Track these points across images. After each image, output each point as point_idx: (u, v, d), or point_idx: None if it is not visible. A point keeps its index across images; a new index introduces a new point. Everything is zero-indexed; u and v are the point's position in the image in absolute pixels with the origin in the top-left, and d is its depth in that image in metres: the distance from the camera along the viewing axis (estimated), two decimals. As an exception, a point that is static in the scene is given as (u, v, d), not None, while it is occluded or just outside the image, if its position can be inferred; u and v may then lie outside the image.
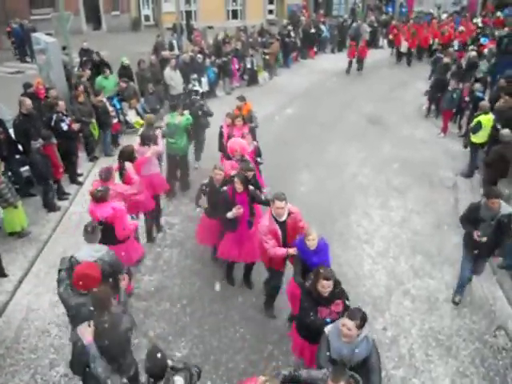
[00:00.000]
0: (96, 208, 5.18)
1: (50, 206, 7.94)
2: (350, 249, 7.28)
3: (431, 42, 19.51)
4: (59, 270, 4.53)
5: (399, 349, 5.55)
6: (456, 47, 17.67)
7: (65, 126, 8.42)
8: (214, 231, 6.20)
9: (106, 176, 5.56)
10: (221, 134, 8.19)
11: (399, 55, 20.00)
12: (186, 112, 8.50)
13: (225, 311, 6.00)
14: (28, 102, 7.83)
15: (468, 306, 6.24)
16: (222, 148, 8.01)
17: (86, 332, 3.62)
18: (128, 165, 6.23)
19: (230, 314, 5.95)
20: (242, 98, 9.12)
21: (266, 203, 5.60)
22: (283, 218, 5.18)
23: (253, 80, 15.89)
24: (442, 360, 5.40)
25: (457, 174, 9.91)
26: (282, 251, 5.08)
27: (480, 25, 21.59)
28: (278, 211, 5.09)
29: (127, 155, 6.22)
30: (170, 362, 3.41)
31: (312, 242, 4.73)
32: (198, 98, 10.16)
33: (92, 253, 4.55)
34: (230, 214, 5.56)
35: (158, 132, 7.29)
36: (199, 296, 6.23)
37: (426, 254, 7.32)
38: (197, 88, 12.32)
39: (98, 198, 5.14)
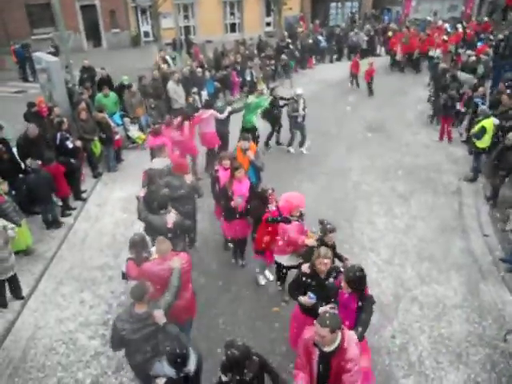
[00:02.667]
0: (154, 139, 8.37)
1: (48, 224, 7.96)
2: (355, 257, 7.23)
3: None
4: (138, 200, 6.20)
5: (409, 356, 5.50)
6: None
7: (70, 144, 8.50)
8: None
9: (156, 130, 8.59)
10: (215, 181, 6.91)
11: (394, 63, 20.02)
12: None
13: (231, 323, 5.97)
14: (35, 130, 7.98)
15: (477, 311, 6.19)
16: (216, 197, 6.96)
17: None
18: (185, 123, 8.98)
19: (236, 327, 5.93)
20: (247, 137, 7.81)
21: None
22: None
23: (253, 92, 15.98)
24: (452, 367, 5.35)
25: (460, 178, 9.90)
26: None
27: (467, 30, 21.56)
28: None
29: (186, 116, 9.12)
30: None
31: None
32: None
33: (162, 162, 7.06)
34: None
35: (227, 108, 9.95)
36: (206, 309, 6.21)
37: (432, 259, 7.28)
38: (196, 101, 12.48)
39: (156, 131, 8.53)
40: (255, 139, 10.51)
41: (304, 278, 4.67)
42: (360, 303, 4.31)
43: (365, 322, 4.24)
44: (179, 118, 9.09)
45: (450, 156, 11.17)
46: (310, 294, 4.54)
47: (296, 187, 9.27)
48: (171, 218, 5.51)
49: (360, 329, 4.12)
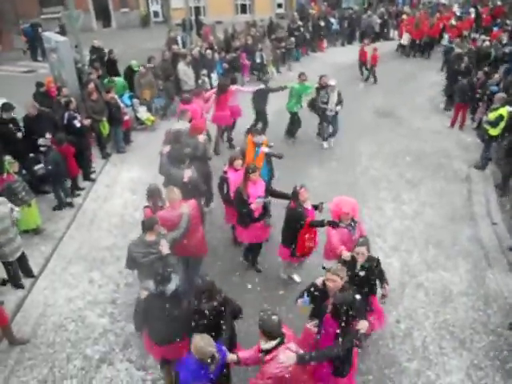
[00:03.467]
0: (184, 105, 8.76)
1: (61, 203, 8.04)
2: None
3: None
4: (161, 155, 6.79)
5: (413, 341, 5.54)
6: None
7: (77, 124, 8.52)
8: None
9: (187, 98, 9.03)
10: (223, 182, 6.49)
11: (401, 47, 19.77)
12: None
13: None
14: (34, 109, 7.97)
15: (482, 299, 6.19)
16: (226, 199, 6.57)
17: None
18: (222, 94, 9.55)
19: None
20: (259, 131, 7.55)
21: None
22: None
23: (263, 74, 15.85)
24: (455, 353, 5.38)
25: (470, 165, 9.80)
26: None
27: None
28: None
29: (224, 86, 9.68)
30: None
31: None
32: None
33: (183, 124, 7.68)
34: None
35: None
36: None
37: (440, 246, 7.27)
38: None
39: (186, 99, 9.00)
40: (295, 126, 10.62)
41: (313, 289, 4.49)
42: (339, 330, 3.89)
43: (324, 353, 3.88)
44: (216, 89, 9.84)
45: (460, 143, 11.04)
46: (305, 296, 4.47)
47: (305, 171, 9.30)
48: (188, 173, 6.21)
49: (313, 354, 3.83)
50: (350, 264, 4.77)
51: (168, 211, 5.41)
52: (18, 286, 6.26)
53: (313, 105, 10.55)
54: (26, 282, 6.37)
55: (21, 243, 6.12)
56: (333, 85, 9.87)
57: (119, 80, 11.31)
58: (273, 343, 3.67)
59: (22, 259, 6.28)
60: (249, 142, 7.25)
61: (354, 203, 5.46)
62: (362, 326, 4.01)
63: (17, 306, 5.99)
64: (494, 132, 9.20)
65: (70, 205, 8.17)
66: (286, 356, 3.64)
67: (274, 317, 3.72)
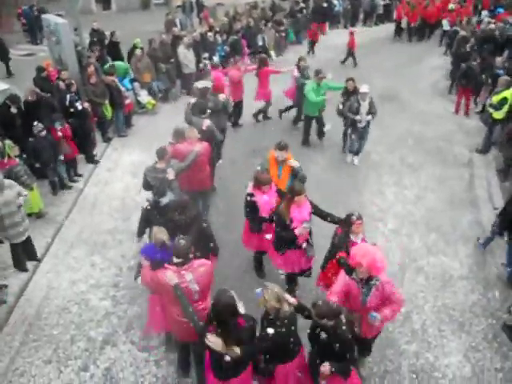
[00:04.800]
0: (216, 73, 9.31)
1: (54, 188, 8.02)
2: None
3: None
4: (187, 105, 7.82)
5: (412, 325, 5.60)
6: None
7: (79, 106, 8.49)
8: None
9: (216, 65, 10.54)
10: (251, 205, 5.48)
11: (399, 30, 19.39)
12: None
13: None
14: (32, 94, 7.93)
15: (482, 283, 6.23)
16: (253, 225, 5.70)
17: None
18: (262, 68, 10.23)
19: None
20: (284, 146, 5.91)
21: None
22: None
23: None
24: (454, 335, 5.44)
25: (472, 150, 9.76)
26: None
27: None
28: None
29: (264, 61, 10.33)
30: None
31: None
32: None
33: (205, 83, 8.49)
34: None
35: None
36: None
37: (440, 231, 7.29)
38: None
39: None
40: (321, 131, 9.80)
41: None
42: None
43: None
44: (257, 64, 10.44)
45: (462, 127, 10.98)
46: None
47: (306, 156, 9.28)
48: (206, 122, 7.10)
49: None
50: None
51: (184, 145, 6.41)
52: (22, 269, 6.32)
53: (341, 112, 9.09)
54: (30, 265, 6.43)
55: (27, 227, 6.15)
56: (365, 92, 8.27)
57: (120, 64, 11.20)
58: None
59: (28, 242, 6.32)
60: (271, 159, 6.04)
61: (374, 257, 4.02)
62: None
63: (20, 289, 6.06)
64: (497, 115, 9.13)
65: (68, 187, 8.18)
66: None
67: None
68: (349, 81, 9.10)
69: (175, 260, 4.08)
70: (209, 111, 7.62)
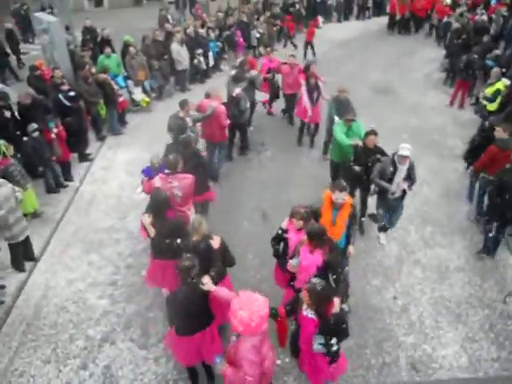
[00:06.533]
0: (266, 61, 10.38)
1: (49, 189, 8.00)
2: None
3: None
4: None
5: (409, 316, 5.64)
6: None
7: (72, 93, 8.53)
8: None
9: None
10: (280, 241, 4.93)
11: (392, 23, 19.24)
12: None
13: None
14: (27, 98, 7.82)
15: (478, 274, 6.28)
16: (280, 263, 5.07)
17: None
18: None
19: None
20: (343, 187, 4.96)
21: None
22: None
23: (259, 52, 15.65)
24: (451, 326, 5.49)
25: (466, 142, 9.76)
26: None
27: None
28: None
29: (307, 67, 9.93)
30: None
31: None
32: None
33: (239, 59, 10.41)
34: None
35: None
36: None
37: (436, 223, 7.32)
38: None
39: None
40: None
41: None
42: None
43: None
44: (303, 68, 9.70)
45: (456, 119, 11.00)
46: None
47: (298, 152, 9.29)
48: (237, 90, 8.30)
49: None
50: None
51: (208, 101, 7.77)
52: (21, 270, 6.31)
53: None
54: (27, 265, 6.41)
55: (27, 225, 6.16)
56: (406, 156, 5.95)
57: (114, 56, 11.12)
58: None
59: (26, 241, 6.31)
60: (325, 199, 5.08)
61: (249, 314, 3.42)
62: None
63: (18, 289, 6.04)
64: (491, 107, 9.19)
65: (63, 186, 8.16)
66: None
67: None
68: (370, 135, 6.48)
69: (166, 171, 5.62)
70: (245, 81, 8.78)
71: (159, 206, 4.99)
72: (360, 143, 6.63)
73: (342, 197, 4.87)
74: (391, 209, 6.45)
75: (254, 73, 9.16)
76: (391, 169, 6.05)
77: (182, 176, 5.58)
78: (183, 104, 7.31)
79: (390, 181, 6.07)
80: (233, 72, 9.04)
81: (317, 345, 3.80)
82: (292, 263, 4.53)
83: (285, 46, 17.07)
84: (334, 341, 3.79)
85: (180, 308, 4.02)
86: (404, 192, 6.24)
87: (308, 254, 4.41)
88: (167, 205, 5.06)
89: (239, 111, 8.38)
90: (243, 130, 9.07)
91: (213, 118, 7.61)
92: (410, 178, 6.15)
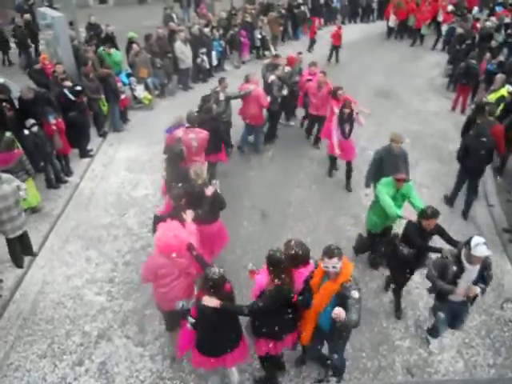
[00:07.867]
0: (307, 73, 9.86)
1: (50, 184, 8.01)
2: (360, 223, 7.30)
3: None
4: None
5: (406, 320, 5.64)
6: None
7: (78, 87, 8.57)
8: None
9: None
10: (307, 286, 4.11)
11: (389, 30, 19.06)
12: None
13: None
14: (29, 93, 7.79)
15: (476, 280, 6.26)
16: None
17: None
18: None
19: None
20: (338, 252, 3.79)
21: None
22: None
23: (263, 52, 15.67)
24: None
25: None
26: None
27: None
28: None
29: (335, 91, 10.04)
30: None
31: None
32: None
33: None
34: None
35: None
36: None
37: (435, 228, 7.30)
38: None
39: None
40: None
41: None
42: None
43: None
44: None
45: (457, 124, 10.94)
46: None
47: (299, 152, 9.28)
48: (272, 77, 8.96)
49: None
50: None
51: (246, 85, 8.61)
52: (20, 265, 6.31)
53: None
54: (25, 260, 6.42)
55: (24, 221, 6.15)
56: (482, 257, 4.38)
57: (115, 54, 11.12)
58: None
59: (24, 237, 6.32)
60: (318, 269, 4.01)
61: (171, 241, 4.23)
62: None
63: (15, 283, 6.05)
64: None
65: (63, 182, 8.17)
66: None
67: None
68: (431, 219, 4.97)
69: (186, 125, 6.85)
70: (280, 68, 9.26)
71: (174, 156, 6.03)
72: (414, 219, 5.20)
73: (333, 264, 3.76)
74: (455, 313, 4.96)
75: (286, 69, 9.48)
76: (455, 269, 4.49)
77: (199, 130, 6.83)
78: (221, 81, 8.41)
79: (455, 283, 4.53)
80: (266, 61, 9.92)
81: None
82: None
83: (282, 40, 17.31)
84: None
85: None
86: (473, 300, 4.74)
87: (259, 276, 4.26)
88: (181, 156, 6.07)
89: (273, 97, 8.96)
90: (275, 117, 9.58)
91: (252, 99, 8.46)
92: (484, 279, 4.56)
